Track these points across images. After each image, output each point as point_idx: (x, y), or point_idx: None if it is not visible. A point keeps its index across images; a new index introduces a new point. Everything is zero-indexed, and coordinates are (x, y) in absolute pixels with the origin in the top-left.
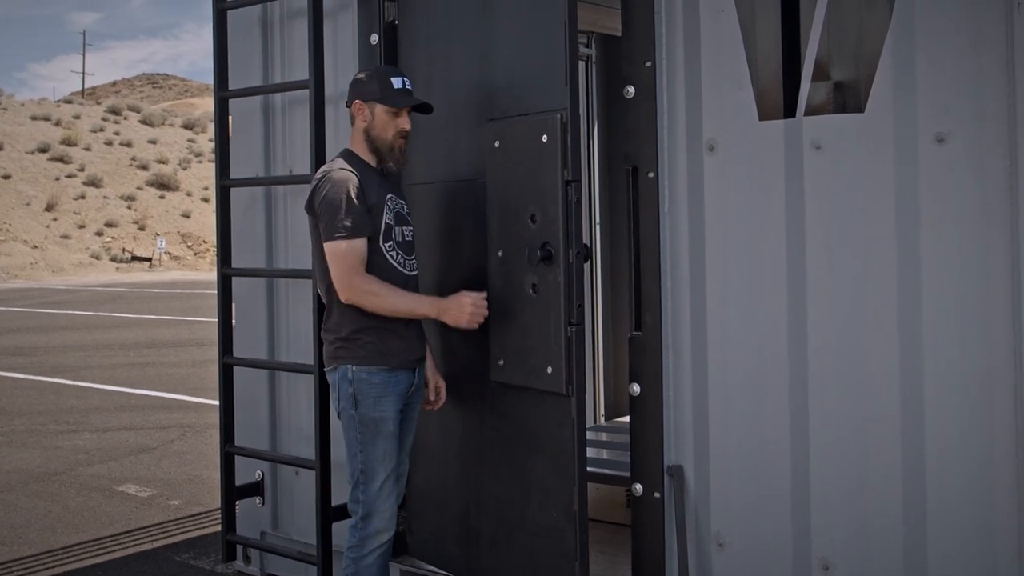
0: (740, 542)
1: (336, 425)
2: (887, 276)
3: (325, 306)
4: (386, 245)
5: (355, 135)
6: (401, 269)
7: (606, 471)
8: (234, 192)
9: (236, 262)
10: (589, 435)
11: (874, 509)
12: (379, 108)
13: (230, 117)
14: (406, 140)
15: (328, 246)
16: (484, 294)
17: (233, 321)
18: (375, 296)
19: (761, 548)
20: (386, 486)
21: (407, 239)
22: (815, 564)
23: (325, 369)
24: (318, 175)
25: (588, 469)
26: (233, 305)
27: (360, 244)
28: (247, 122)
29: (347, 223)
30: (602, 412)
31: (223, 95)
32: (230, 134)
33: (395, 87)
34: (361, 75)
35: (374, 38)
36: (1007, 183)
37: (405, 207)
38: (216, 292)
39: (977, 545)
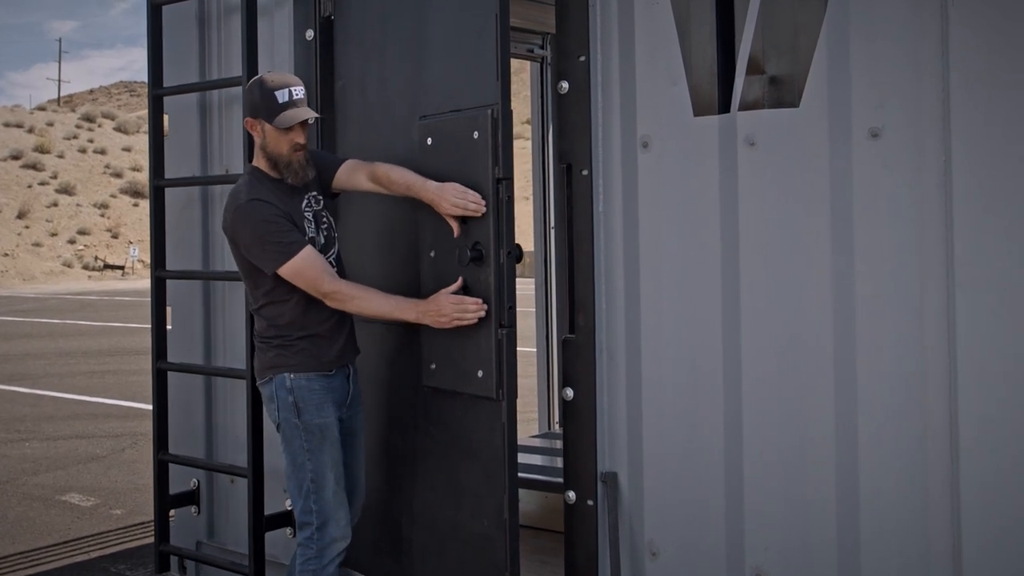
0: (674, 550)
1: (269, 432)
2: (821, 274)
3: (256, 310)
4: None
5: (256, 151)
6: None
7: (556, 479)
8: (170, 193)
9: (172, 264)
10: (541, 442)
11: (808, 515)
12: (268, 126)
13: (165, 116)
14: (304, 151)
15: (283, 272)
16: (455, 286)
17: (168, 326)
18: (355, 300)
19: (695, 556)
20: (338, 493)
21: (325, 236)
22: (748, 572)
23: (258, 382)
24: (228, 205)
25: (537, 477)
26: (169, 309)
27: (309, 252)
28: (184, 121)
29: (284, 241)
30: (557, 419)
31: (157, 93)
32: (166, 133)
33: (280, 101)
34: (249, 86)
35: (309, 34)
36: (942, 179)
37: (321, 201)
38: (150, 296)
39: (911, 549)
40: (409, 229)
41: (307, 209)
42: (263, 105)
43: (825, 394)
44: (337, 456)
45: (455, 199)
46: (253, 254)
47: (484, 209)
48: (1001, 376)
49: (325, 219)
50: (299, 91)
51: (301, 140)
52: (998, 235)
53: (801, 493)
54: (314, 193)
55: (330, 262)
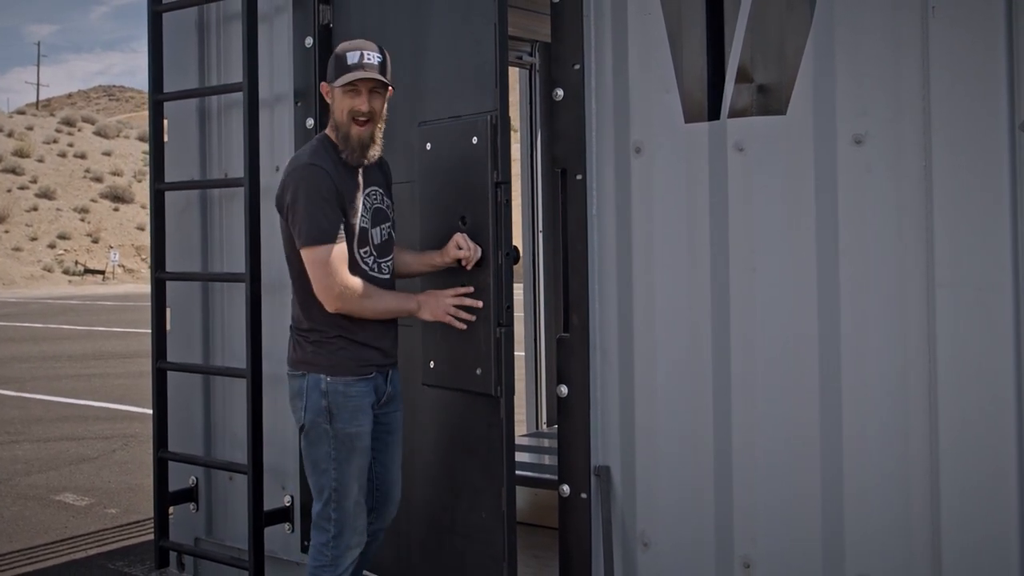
0: (665, 542)
1: (268, 429)
2: (807, 278)
3: (297, 299)
4: (361, 251)
5: (330, 120)
6: (376, 275)
7: (546, 476)
8: (169, 196)
9: (171, 266)
10: (530, 441)
11: (795, 508)
12: (337, 89)
13: (165, 120)
14: (367, 125)
15: (305, 253)
16: (456, 290)
17: (168, 326)
18: (367, 299)
19: (685, 547)
20: (360, 501)
21: (385, 239)
22: (737, 563)
23: (289, 371)
24: (287, 167)
25: (531, 474)
26: (168, 310)
27: (341, 247)
28: (183, 125)
29: (324, 225)
30: (545, 419)
31: (158, 98)
32: (165, 138)
33: (349, 63)
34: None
35: (308, 41)
36: (923, 184)
37: (387, 199)
38: (150, 297)
39: (893, 549)
40: (409, 230)
41: (371, 196)
42: (333, 66)
43: (811, 391)
44: (364, 464)
45: (459, 241)
46: (293, 221)
47: (478, 255)
48: (978, 372)
49: (388, 221)
50: (372, 55)
51: (362, 108)
52: (976, 236)
53: (788, 486)
54: (379, 189)
55: (386, 266)
